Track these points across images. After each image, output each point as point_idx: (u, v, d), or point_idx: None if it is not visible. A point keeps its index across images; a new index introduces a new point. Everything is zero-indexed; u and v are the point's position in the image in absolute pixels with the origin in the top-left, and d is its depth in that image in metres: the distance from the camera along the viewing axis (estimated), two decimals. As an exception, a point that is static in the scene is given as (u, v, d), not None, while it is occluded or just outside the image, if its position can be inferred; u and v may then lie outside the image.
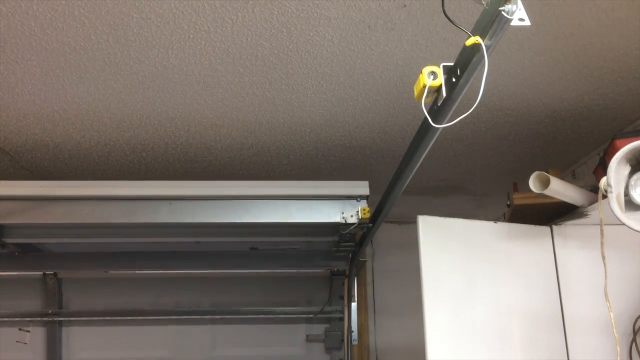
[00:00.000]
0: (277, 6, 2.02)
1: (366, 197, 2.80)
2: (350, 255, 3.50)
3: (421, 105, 1.53)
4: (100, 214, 2.76)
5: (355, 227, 2.77)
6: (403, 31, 2.18)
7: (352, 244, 3.17)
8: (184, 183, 2.82)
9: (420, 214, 2.51)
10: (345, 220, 2.75)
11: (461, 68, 1.46)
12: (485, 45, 1.29)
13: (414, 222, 2.65)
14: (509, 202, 2.91)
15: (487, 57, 1.29)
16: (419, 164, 1.90)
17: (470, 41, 1.30)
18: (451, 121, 1.52)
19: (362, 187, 2.82)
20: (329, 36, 2.20)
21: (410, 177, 1.98)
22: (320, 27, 2.14)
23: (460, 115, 1.52)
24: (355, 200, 2.79)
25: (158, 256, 3.58)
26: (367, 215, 2.72)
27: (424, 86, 1.50)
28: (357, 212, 2.76)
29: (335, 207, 2.78)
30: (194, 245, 3.43)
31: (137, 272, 3.80)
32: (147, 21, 2.07)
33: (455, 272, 2.49)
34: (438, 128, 1.55)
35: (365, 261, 4.00)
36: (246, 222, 2.76)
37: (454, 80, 1.50)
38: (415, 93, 1.58)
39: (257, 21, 2.10)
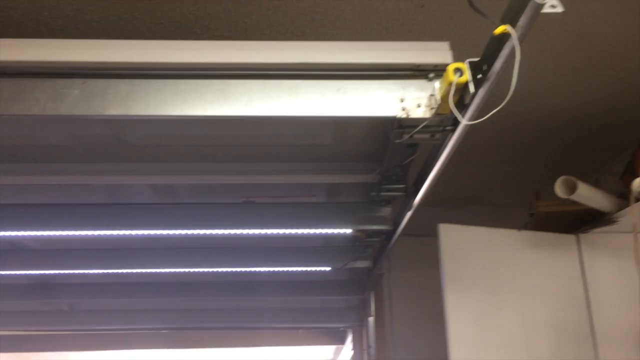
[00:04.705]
0: (291, 8, 1.96)
1: (444, 70, 1.48)
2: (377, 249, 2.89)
3: (448, 103, 1.46)
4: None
5: (424, 127, 1.57)
6: (421, 32, 2.12)
7: (401, 186, 2.11)
8: (111, 43, 1.61)
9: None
10: (408, 114, 1.54)
11: (488, 62, 1.39)
12: (515, 34, 1.22)
13: (430, 235, 2.57)
14: (531, 211, 2.82)
15: (519, 46, 1.22)
16: (442, 164, 1.80)
17: (499, 30, 1.23)
18: (480, 118, 1.44)
19: (438, 51, 1.60)
20: (345, 39, 2.14)
21: (435, 178, 1.88)
22: (336, 29, 2.08)
23: (487, 113, 1.45)
24: (424, 80, 1.58)
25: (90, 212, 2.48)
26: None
27: (450, 84, 1.43)
28: (432, 96, 1.56)
29: (387, 88, 1.57)
30: (151, 192, 2.44)
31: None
32: (159, 26, 2.03)
33: (478, 282, 2.40)
34: (467, 125, 1.47)
35: (383, 274, 3.90)
36: (221, 115, 1.57)
37: (480, 76, 1.44)
38: (440, 92, 1.51)
39: (271, 24, 2.04)
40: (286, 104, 1.57)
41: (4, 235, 2.77)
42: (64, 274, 3.37)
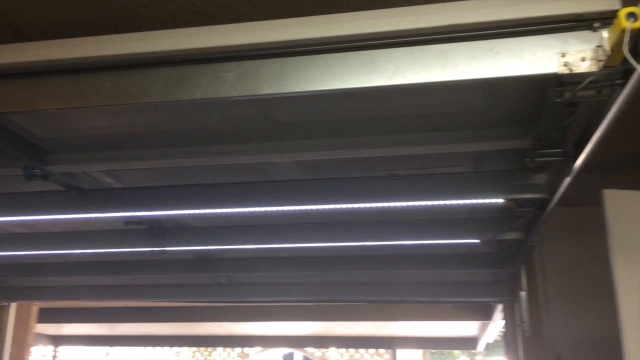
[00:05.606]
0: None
1: (612, 18, 1.38)
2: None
3: (620, 53, 1.32)
4: (122, 87, 1.69)
5: (589, 83, 1.45)
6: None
7: (559, 150, 1.98)
8: (260, 25, 1.64)
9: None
10: (571, 69, 1.41)
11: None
12: None
13: (585, 204, 2.37)
14: None
15: None
16: (609, 122, 1.64)
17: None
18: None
19: None
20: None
21: (600, 139, 1.71)
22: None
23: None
24: (588, 30, 1.43)
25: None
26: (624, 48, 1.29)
27: (623, 31, 1.29)
28: (599, 47, 1.40)
29: (545, 44, 1.46)
30: (296, 168, 2.56)
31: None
32: (300, 4, 2.05)
33: (653, 253, 2.17)
34: (646, 75, 1.32)
35: (535, 246, 3.70)
36: (369, 86, 1.56)
37: (658, 19, 1.28)
38: (610, 42, 1.37)
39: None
40: (435, 69, 1.53)
41: (169, 214, 3.04)
42: (222, 249, 3.62)
